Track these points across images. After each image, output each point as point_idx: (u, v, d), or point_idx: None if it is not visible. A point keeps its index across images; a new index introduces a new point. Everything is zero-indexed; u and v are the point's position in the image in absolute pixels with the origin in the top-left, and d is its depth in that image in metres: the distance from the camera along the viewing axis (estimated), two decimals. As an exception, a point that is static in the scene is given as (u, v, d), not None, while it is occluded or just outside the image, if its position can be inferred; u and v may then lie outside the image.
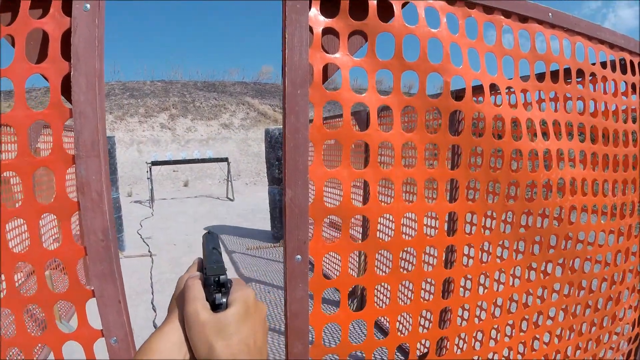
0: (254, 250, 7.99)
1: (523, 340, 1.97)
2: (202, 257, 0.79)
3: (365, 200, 4.54)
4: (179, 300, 0.70)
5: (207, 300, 0.67)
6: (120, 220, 7.73)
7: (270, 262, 7.29)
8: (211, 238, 0.83)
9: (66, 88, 1.16)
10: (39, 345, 3.15)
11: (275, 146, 8.25)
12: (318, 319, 1.42)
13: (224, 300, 0.68)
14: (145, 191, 15.32)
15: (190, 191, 17.25)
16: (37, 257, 1.24)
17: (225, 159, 15.29)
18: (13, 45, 1.17)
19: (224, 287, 0.69)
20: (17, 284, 3.59)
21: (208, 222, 10.74)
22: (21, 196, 1.23)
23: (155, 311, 5.11)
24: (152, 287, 5.76)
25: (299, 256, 1.33)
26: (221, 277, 0.69)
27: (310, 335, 1.40)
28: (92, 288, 1.24)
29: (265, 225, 9.39)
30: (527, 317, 1.93)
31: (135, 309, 5.05)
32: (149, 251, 7.74)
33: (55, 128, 1.18)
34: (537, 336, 2.02)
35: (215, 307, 0.67)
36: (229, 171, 15.19)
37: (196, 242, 8.62)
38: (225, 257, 7.47)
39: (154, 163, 14.53)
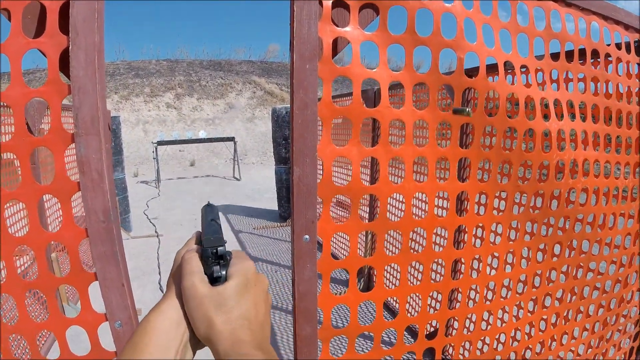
0: (261, 230, 8.00)
1: (531, 321, 1.95)
2: (200, 230, 0.75)
3: (374, 179, 4.51)
4: (177, 276, 0.67)
5: (205, 273, 0.64)
6: (127, 200, 7.72)
7: (277, 241, 7.29)
8: (210, 210, 0.80)
9: (65, 63, 1.12)
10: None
11: (282, 125, 8.20)
12: (326, 300, 1.40)
13: (223, 272, 0.65)
14: (151, 171, 15.31)
15: (197, 171, 17.25)
16: (37, 241, 1.22)
17: (232, 139, 15.25)
18: (9, 19, 1.13)
19: (222, 259, 0.66)
20: (22, 268, 3.61)
21: (215, 202, 10.59)
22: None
23: (162, 292, 5.13)
24: (159, 268, 5.77)
25: (307, 236, 1.30)
26: (219, 248, 0.66)
27: (318, 316, 1.38)
28: (95, 271, 1.21)
29: (272, 204, 9.39)
30: (535, 298, 1.91)
31: (143, 289, 5.06)
32: (156, 231, 7.75)
33: (53, 105, 1.15)
34: (545, 317, 2.00)
35: (214, 280, 0.64)
36: (235, 150, 15.17)
37: (203, 221, 8.64)
38: (232, 237, 7.48)
39: (160, 143, 14.50)
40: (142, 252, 6.49)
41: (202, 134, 16.23)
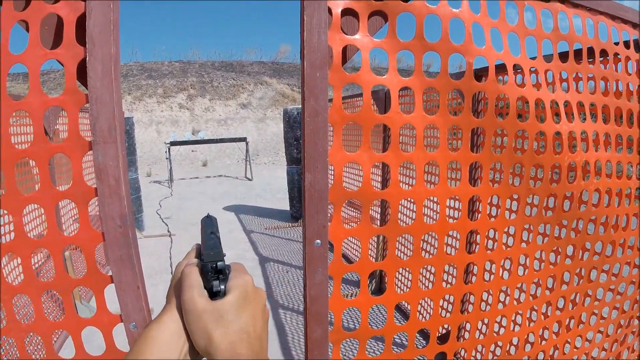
0: (272, 230, 8.01)
1: (545, 325, 1.95)
2: (200, 243, 0.76)
3: (385, 183, 4.51)
4: (177, 288, 0.68)
5: (204, 287, 0.66)
6: (140, 200, 7.77)
7: (289, 241, 7.31)
8: (209, 222, 0.81)
9: (82, 73, 1.14)
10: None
11: (293, 126, 8.22)
12: (337, 304, 1.41)
13: (222, 287, 0.66)
14: (164, 171, 15.41)
15: (209, 171, 17.32)
16: (54, 244, 1.25)
17: (244, 139, 15.30)
18: (27, 30, 1.15)
19: (221, 273, 0.67)
20: (35, 266, 3.66)
21: (227, 202, 10.79)
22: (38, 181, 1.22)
23: (174, 292, 5.16)
24: (171, 267, 5.80)
25: (318, 240, 1.31)
26: (219, 263, 0.67)
27: (329, 318, 1.40)
28: (110, 274, 1.23)
29: (284, 204, 9.41)
30: (549, 301, 1.91)
31: (155, 288, 5.10)
32: (168, 231, 7.81)
33: (71, 114, 1.18)
34: (559, 320, 1.99)
35: (213, 295, 0.65)
36: (247, 151, 15.21)
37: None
38: (243, 237, 7.51)
39: (173, 143, 14.59)
40: (154, 252, 6.54)
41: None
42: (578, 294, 1.99)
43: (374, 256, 4.68)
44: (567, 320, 2.01)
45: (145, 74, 24.56)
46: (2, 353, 2.64)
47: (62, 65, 1.15)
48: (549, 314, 1.94)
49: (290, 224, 8.39)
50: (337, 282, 1.40)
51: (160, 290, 5.08)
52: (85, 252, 1.24)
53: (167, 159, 14.18)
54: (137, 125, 17.58)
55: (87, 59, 1.13)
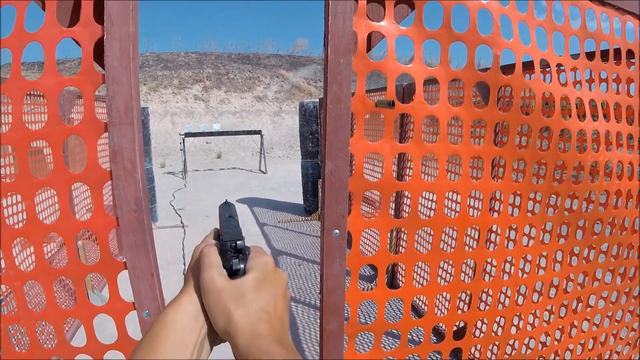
0: (286, 224, 8.01)
1: (561, 326, 1.91)
2: (218, 227, 0.76)
3: (400, 175, 4.48)
4: (195, 270, 0.66)
5: (223, 267, 0.64)
6: (153, 191, 7.80)
7: (302, 235, 7.30)
8: (227, 207, 0.80)
9: (99, 53, 1.12)
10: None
11: (309, 120, 8.20)
12: (354, 296, 1.39)
13: (242, 266, 0.65)
14: (178, 162, 15.47)
15: (223, 163, 17.36)
16: (67, 229, 1.23)
17: (259, 132, 15.30)
18: (43, 9, 1.13)
19: (241, 253, 0.66)
20: (49, 255, 3.67)
21: (241, 194, 10.80)
22: (52, 166, 1.20)
23: (186, 282, 5.17)
24: (184, 258, 5.81)
25: (337, 230, 1.29)
26: (238, 242, 0.66)
27: (345, 311, 1.38)
28: (124, 260, 1.22)
29: (298, 198, 9.39)
30: (566, 302, 1.87)
31: (168, 279, 5.11)
32: (182, 222, 7.82)
33: (87, 94, 1.15)
34: (576, 322, 1.96)
35: (233, 274, 0.64)
36: (262, 144, 15.21)
37: (228, 213, 8.69)
38: (257, 230, 7.51)
39: (187, 135, 14.62)
40: (167, 242, 6.55)
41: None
42: (595, 296, 1.96)
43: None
44: (582, 322, 1.98)
45: (161, 65, 24.64)
46: (14, 342, 2.64)
47: (79, 44, 1.13)
48: (565, 315, 1.91)
49: (303, 217, 8.38)
50: (354, 274, 1.39)
51: (173, 281, 5.10)
52: (99, 237, 1.22)
53: (181, 150, 14.21)
54: (152, 116, 17.64)
55: (104, 37, 1.11)
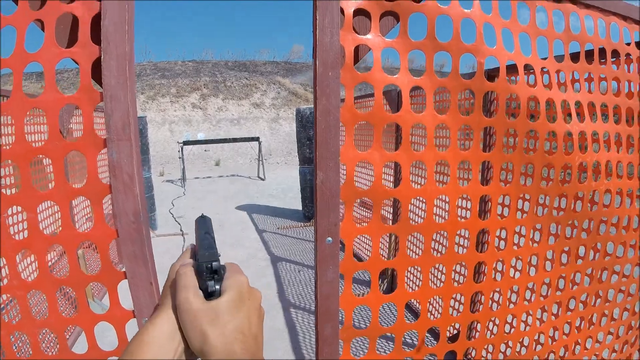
0: (285, 230, 8.03)
1: (555, 325, 1.94)
2: (194, 244, 0.76)
3: (397, 181, 4.51)
4: (171, 289, 0.68)
5: (200, 288, 0.65)
6: (152, 199, 7.82)
7: (301, 241, 7.31)
8: (203, 222, 0.80)
9: (96, 71, 1.16)
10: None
11: (306, 125, 8.22)
12: (348, 301, 1.42)
13: (217, 287, 0.65)
14: (177, 171, 15.49)
15: (222, 170, 17.38)
16: (69, 240, 1.27)
17: (257, 139, 15.33)
18: (43, 29, 1.18)
19: (216, 273, 0.66)
20: (50, 263, 3.69)
21: (239, 201, 10.82)
22: (52, 176, 1.24)
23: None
24: (184, 265, 5.83)
25: (330, 238, 1.32)
26: (214, 263, 0.66)
27: (340, 316, 1.41)
28: (124, 269, 1.25)
29: (296, 204, 9.42)
30: (559, 301, 1.90)
31: (168, 286, 5.13)
32: (181, 230, 7.85)
33: (85, 112, 1.20)
34: (569, 321, 1.99)
35: (208, 295, 0.64)
36: (260, 150, 15.24)
37: (228, 220, 8.74)
38: (255, 236, 7.53)
39: (186, 143, 14.65)
40: (167, 250, 6.57)
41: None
42: (588, 295, 1.99)
43: (386, 255, 4.69)
44: (578, 320, 2.01)
45: (158, 74, 24.72)
46: (16, 349, 2.67)
47: (77, 63, 1.17)
48: (559, 314, 1.93)
49: (302, 223, 8.40)
50: (348, 280, 1.42)
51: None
52: (100, 248, 1.25)
53: (179, 158, 14.24)
54: (150, 124, 17.67)
55: (102, 57, 1.15)
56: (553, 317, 1.93)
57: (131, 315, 1.30)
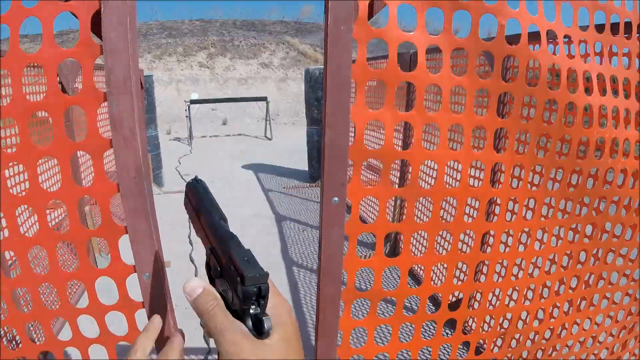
0: (290, 190, 8.07)
1: (556, 303, 1.92)
2: (194, 232, 0.67)
3: (406, 144, 4.47)
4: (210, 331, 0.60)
5: (239, 316, 0.57)
6: (159, 157, 7.83)
7: (306, 201, 7.38)
8: (203, 190, 0.69)
9: (96, 24, 1.12)
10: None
11: (314, 86, 8.14)
12: (352, 263, 1.40)
13: (268, 324, 0.57)
14: (184, 129, 15.43)
15: (229, 129, 17.34)
16: (69, 195, 1.25)
17: (264, 98, 15.22)
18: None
19: (263, 298, 0.57)
20: (57, 220, 3.71)
21: (246, 161, 10.84)
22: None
23: (192, 245, 5.27)
24: (189, 222, 5.86)
25: (336, 198, 1.29)
26: (262, 286, 0.56)
27: (342, 278, 1.39)
28: (125, 224, 1.23)
29: (303, 165, 9.41)
30: (563, 279, 1.87)
31: (170, 243, 5.17)
32: (187, 187, 7.86)
33: (85, 66, 1.16)
34: (570, 300, 1.96)
35: (259, 332, 0.57)
36: (267, 110, 15.16)
37: (234, 179, 8.81)
38: (261, 195, 7.59)
39: (193, 101, 14.57)
40: (172, 207, 6.59)
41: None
42: (592, 275, 1.95)
43: (391, 219, 4.68)
44: (579, 300, 1.98)
45: (165, 33, 24.37)
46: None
47: (76, 17, 1.13)
48: (560, 292, 1.91)
49: (308, 183, 8.42)
50: (352, 242, 1.39)
51: (178, 244, 5.17)
52: (100, 203, 1.24)
53: (186, 117, 14.18)
54: (157, 83, 17.51)
55: (101, 9, 1.10)
56: (555, 294, 1.90)
57: (132, 270, 1.29)
